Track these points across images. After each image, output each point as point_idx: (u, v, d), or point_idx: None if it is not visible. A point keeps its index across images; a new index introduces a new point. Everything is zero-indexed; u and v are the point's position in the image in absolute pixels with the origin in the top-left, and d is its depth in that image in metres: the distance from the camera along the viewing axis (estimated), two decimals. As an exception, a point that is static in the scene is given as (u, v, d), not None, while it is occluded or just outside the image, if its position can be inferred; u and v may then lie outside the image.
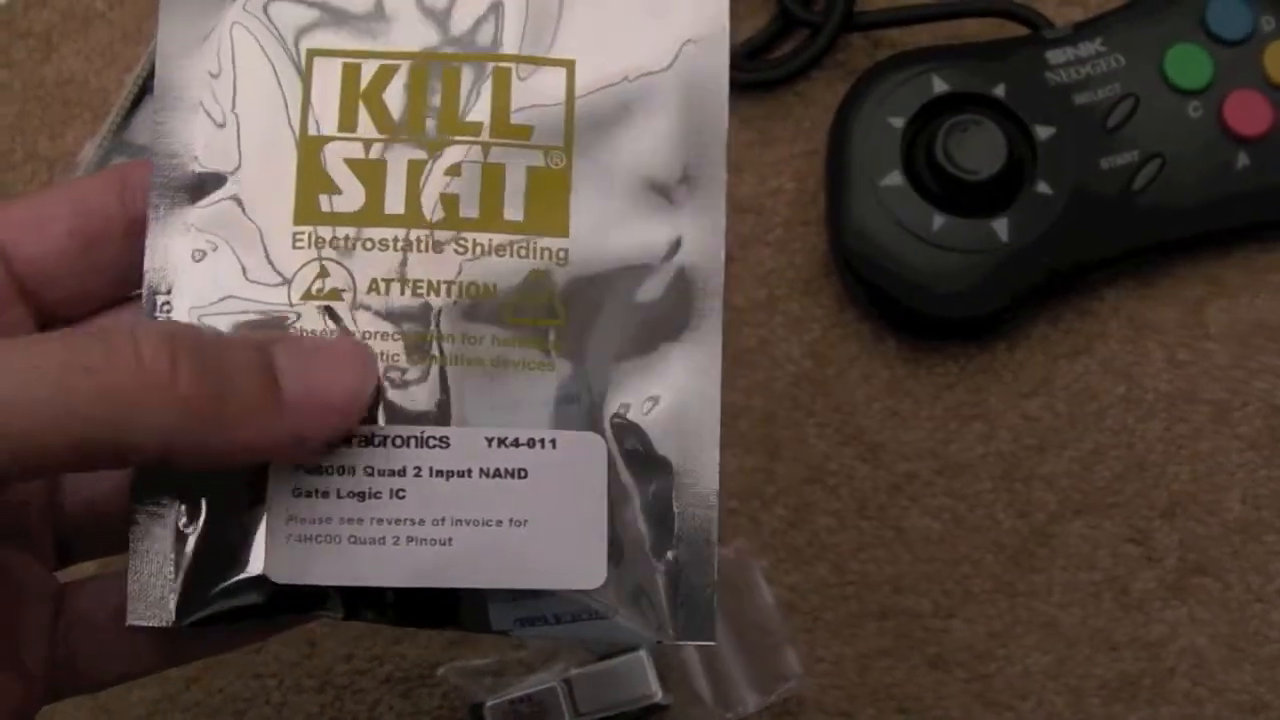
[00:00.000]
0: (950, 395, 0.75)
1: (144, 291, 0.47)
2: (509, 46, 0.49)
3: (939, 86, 0.76)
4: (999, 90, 0.76)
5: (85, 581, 0.50)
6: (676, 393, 0.49)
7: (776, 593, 0.72)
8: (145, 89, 0.82)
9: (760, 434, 0.75)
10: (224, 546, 0.46)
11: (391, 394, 0.47)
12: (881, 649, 0.73)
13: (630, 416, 0.49)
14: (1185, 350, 0.76)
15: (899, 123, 0.76)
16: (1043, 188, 0.74)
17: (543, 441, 0.47)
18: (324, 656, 0.72)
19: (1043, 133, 0.75)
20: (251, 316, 0.47)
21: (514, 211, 0.49)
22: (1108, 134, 0.75)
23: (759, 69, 0.80)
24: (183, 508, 0.47)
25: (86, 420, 0.39)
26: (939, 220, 0.74)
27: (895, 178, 0.74)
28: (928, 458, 0.74)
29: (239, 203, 0.48)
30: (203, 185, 0.48)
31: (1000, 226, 0.73)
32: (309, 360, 0.44)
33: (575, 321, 0.48)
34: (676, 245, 0.50)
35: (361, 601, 0.47)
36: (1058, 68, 0.77)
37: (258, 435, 0.43)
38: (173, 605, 0.46)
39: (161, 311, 0.47)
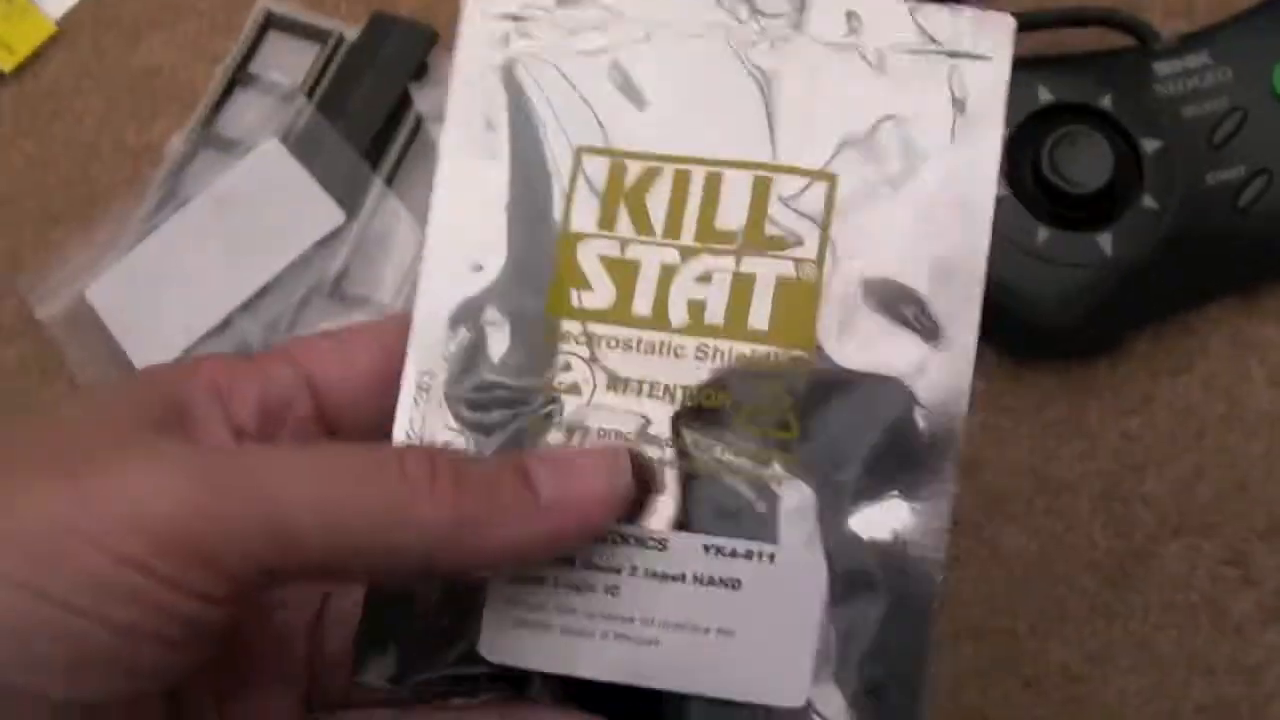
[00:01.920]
0: (1050, 411, 0.74)
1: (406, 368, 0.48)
2: (773, 156, 0.48)
3: (1045, 96, 0.75)
4: (1105, 102, 0.74)
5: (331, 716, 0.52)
6: (903, 524, 0.48)
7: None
8: (235, 81, 0.81)
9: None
10: (447, 621, 0.47)
11: None
12: (976, 669, 0.71)
13: (855, 537, 0.47)
14: (1288, 370, 0.74)
15: (1005, 133, 0.74)
16: (1149, 202, 0.72)
17: (761, 554, 0.47)
18: None
19: (1149, 146, 0.73)
20: (498, 399, 0.48)
21: (759, 320, 0.48)
22: (1215, 148, 0.74)
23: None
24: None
25: (357, 521, 0.41)
26: (1043, 233, 0.72)
27: (1000, 189, 0.73)
28: (1026, 475, 0.73)
29: (498, 292, 0.49)
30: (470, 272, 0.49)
31: (1105, 241, 0.72)
32: (563, 467, 0.45)
33: (810, 437, 0.47)
34: (920, 371, 0.48)
35: (567, 690, 0.47)
36: (1165, 80, 0.75)
37: (516, 537, 0.43)
38: (395, 666, 0.48)
39: (422, 389, 0.48)
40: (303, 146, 0.77)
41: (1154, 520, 0.73)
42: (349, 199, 0.76)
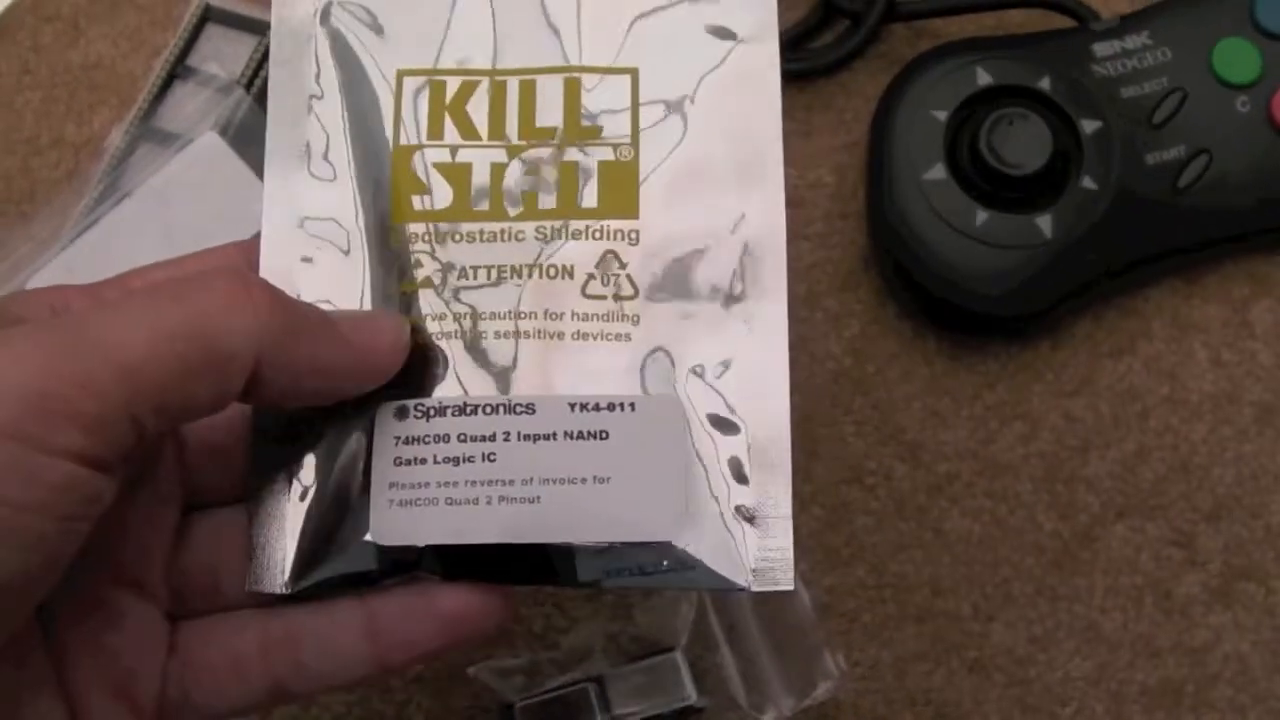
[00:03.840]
0: (991, 394, 0.74)
1: None
2: (578, 59, 0.56)
3: (983, 79, 0.75)
4: (1044, 83, 0.74)
5: (196, 621, 0.53)
6: (746, 355, 0.54)
7: (813, 595, 0.71)
8: (174, 74, 0.81)
9: (797, 433, 0.72)
10: (331, 519, 0.51)
11: (482, 368, 0.52)
12: (920, 652, 0.71)
13: (705, 380, 0.53)
14: (1230, 350, 0.75)
15: (942, 116, 0.74)
16: (1088, 183, 0.72)
17: (623, 405, 0.52)
18: None
19: (1088, 127, 0.73)
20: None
21: (589, 200, 0.54)
22: (1154, 129, 0.74)
23: (799, 59, 0.79)
24: (294, 483, 0.52)
25: (179, 338, 0.44)
26: (982, 215, 0.72)
27: (938, 171, 0.73)
28: (968, 458, 0.73)
29: (344, 205, 0.55)
30: (313, 197, 0.55)
31: (1044, 222, 0.72)
32: (362, 317, 0.52)
33: (648, 295, 0.53)
34: (740, 220, 0.55)
35: (458, 562, 0.51)
36: (1104, 60, 0.75)
37: (327, 358, 0.49)
38: (288, 574, 0.52)
39: None
40: (242, 139, 0.77)
41: (1098, 502, 0.72)
42: (288, 190, 0.75)
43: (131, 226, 0.76)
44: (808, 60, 0.79)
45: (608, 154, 0.55)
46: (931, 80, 0.75)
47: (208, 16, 0.82)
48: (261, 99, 0.77)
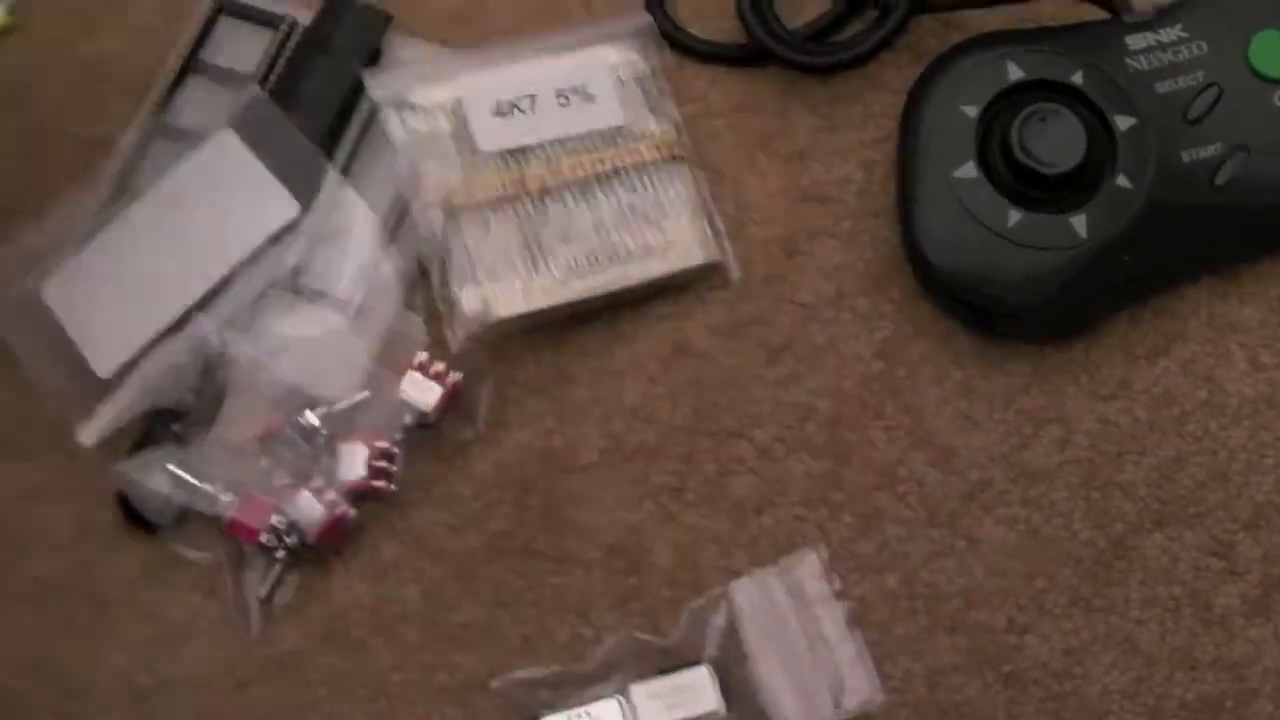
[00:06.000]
0: (1025, 398, 0.72)
1: None
2: None
3: (1014, 73, 0.73)
4: (1077, 78, 0.73)
5: None
6: None
7: (844, 605, 0.69)
8: (187, 68, 0.79)
9: (828, 437, 0.72)
10: None
11: None
12: (953, 665, 0.70)
13: None
14: (1269, 353, 0.73)
15: (973, 111, 0.72)
16: (1122, 181, 0.71)
17: None
18: (376, 664, 0.70)
19: (1122, 123, 0.72)
20: None
21: None
22: (1190, 125, 0.72)
23: (826, 52, 0.77)
24: None
25: None
26: (1015, 215, 0.71)
27: (969, 170, 0.71)
28: (1001, 464, 0.72)
29: None
30: None
31: (1079, 222, 0.70)
32: None
33: None
34: None
35: None
36: (1138, 54, 0.74)
37: None
38: None
39: None
40: (256, 136, 0.75)
41: (1134, 510, 0.71)
42: (304, 190, 0.74)
43: (145, 226, 0.75)
44: (833, 53, 0.77)
45: None
46: (961, 75, 0.74)
47: (221, 9, 0.80)
48: (276, 94, 0.76)
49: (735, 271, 0.75)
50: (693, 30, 0.79)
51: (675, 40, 0.79)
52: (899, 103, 0.75)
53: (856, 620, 0.70)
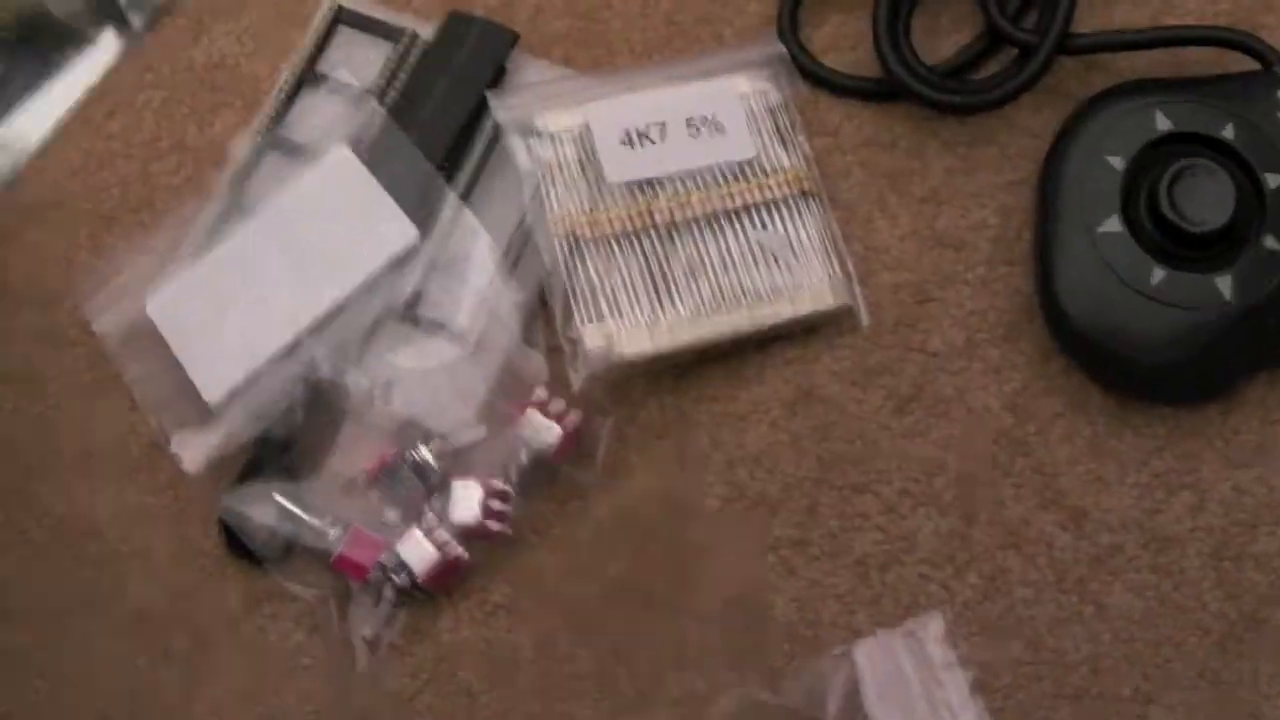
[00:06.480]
0: (1159, 460, 0.70)
1: None
2: None
3: (1162, 124, 0.71)
4: (1227, 131, 0.70)
5: None
6: None
7: (969, 673, 0.67)
8: (303, 79, 0.76)
9: (956, 494, 0.70)
10: None
11: None
12: (1076, 735, 0.68)
13: None
14: None
15: (1119, 163, 0.70)
16: (1271, 243, 0.68)
17: None
18: (482, 711, 0.70)
19: (1273, 181, 0.69)
20: None
21: None
22: (1344, 185, 0.70)
23: (965, 92, 0.74)
24: None
25: None
26: (1159, 273, 0.68)
27: (1113, 224, 0.69)
28: (1133, 529, 0.69)
29: None
30: None
31: (1224, 283, 0.68)
32: None
33: None
34: None
35: None
36: (1290, 108, 0.71)
37: None
38: None
39: None
40: (374, 155, 0.73)
41: (1266, 582, 0.69)
42: (422, 214, 0.72)
43: (257, 246, 0.73)
44: (972, 93, 0.74)
45: None
46: (1107, 124, 0.72)
47: (339, 19, 0.77)
48: (395, 112, 0.73)
49: (865, 318, 0.72)
50: (826, 61, 0.76)
51: (809, 71, 0.76)
52: (1036, 146, 0.73)
53: (979, 686, 0.67)
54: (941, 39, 0.77)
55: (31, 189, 0.77)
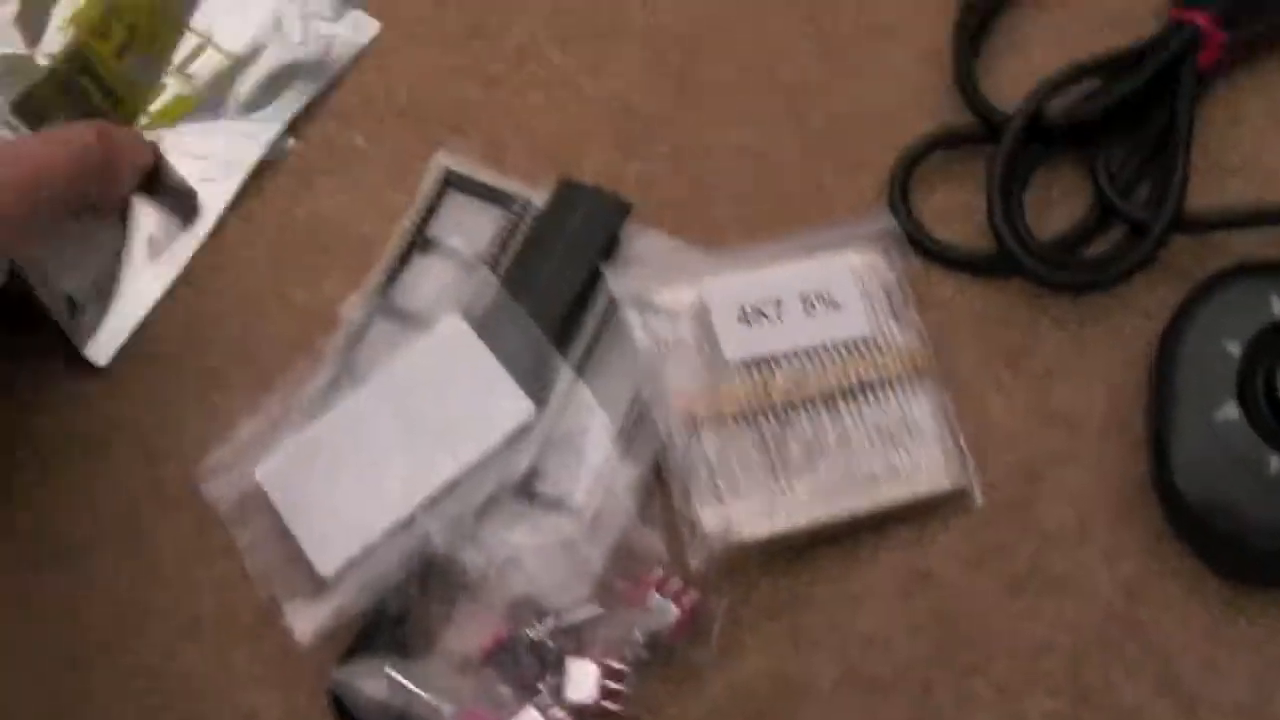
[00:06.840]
0: (1273, 648, 0.70)
1: None
2: None
3: (1279, 309, 0.70)
4: (1345, 319, 0.70)
5: None
6: None
7: None
8: (414, 244, 0.76)
9: (1067, 675, 0.70)
10: None
11: None
12: None
13: None
14: None
15: (1235, 349, 0.70)
16: (1392, 435, 0.68)
17: None
18: None
19: (1393, 370, 0.69)
20: None
21: None
22: None
23: (1078, 270, 0.74)
24: None
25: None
26: (1276, 462, 0.68)
27: (1229, 410, 0.69)
28: (1245, 717, 0.69)
29: None
30: None
31: (1342, 475, 0.68)
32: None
33: None
34: None
35: None
36: None
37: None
38: None
39: None
40: (487, 325, 0.73)
41: (1379, 773, 0.69)
42: (537, 387, 0.72)
43: (369, 415, 0.73)
44: (1086, 273, 0.74)
45: None
46: (1224, 306, 0.72)
47: (450, 182, 0.77)
48: (508, 281, 0.73)
49: (979, 498, 0.72)
50: (936, 234, 0.76)
51: (921, 245, 0.76)
52: (1150, 326, 0.73)
53: None
54: (1053, 209, 0.77)
55: (138, 342, 0.77)
